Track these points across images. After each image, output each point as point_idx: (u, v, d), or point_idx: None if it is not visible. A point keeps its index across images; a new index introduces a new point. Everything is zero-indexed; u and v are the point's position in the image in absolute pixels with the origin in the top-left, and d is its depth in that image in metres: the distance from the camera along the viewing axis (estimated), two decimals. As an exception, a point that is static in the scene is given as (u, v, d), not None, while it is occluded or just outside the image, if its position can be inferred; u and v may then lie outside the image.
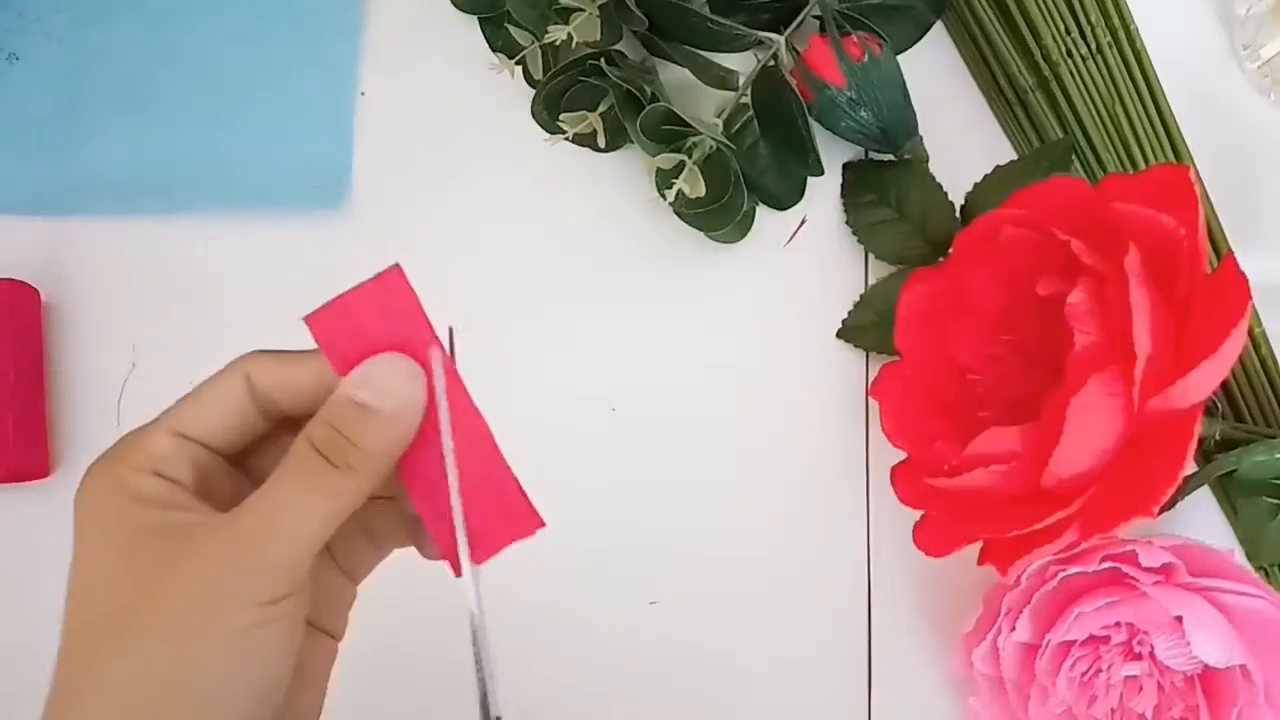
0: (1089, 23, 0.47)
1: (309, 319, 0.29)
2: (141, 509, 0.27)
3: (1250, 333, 0.46)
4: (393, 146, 0.50)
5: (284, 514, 0.27)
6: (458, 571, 0.28)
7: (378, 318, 0.29)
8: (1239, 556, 0.44)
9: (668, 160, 0.44)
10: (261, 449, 0.31)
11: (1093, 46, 0.47)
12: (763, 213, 0.49)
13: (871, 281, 0.49)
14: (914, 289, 0.44)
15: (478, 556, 0.29)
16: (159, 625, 0.26)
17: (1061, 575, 0.40)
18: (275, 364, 0.30)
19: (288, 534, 0.27)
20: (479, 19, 0.50)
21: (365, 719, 0.46)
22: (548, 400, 0.48)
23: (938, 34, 0.50)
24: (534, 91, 0.47)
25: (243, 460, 0.30)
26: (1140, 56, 0.47)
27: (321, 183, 0.49)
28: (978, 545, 0.40)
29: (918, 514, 0.42)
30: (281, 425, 0.30)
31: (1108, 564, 0.40)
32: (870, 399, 0.48)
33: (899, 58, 0.47)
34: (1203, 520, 0.46)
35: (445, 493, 0.28)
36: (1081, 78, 0.47)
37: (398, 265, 0.30)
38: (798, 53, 0.46)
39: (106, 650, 0.26)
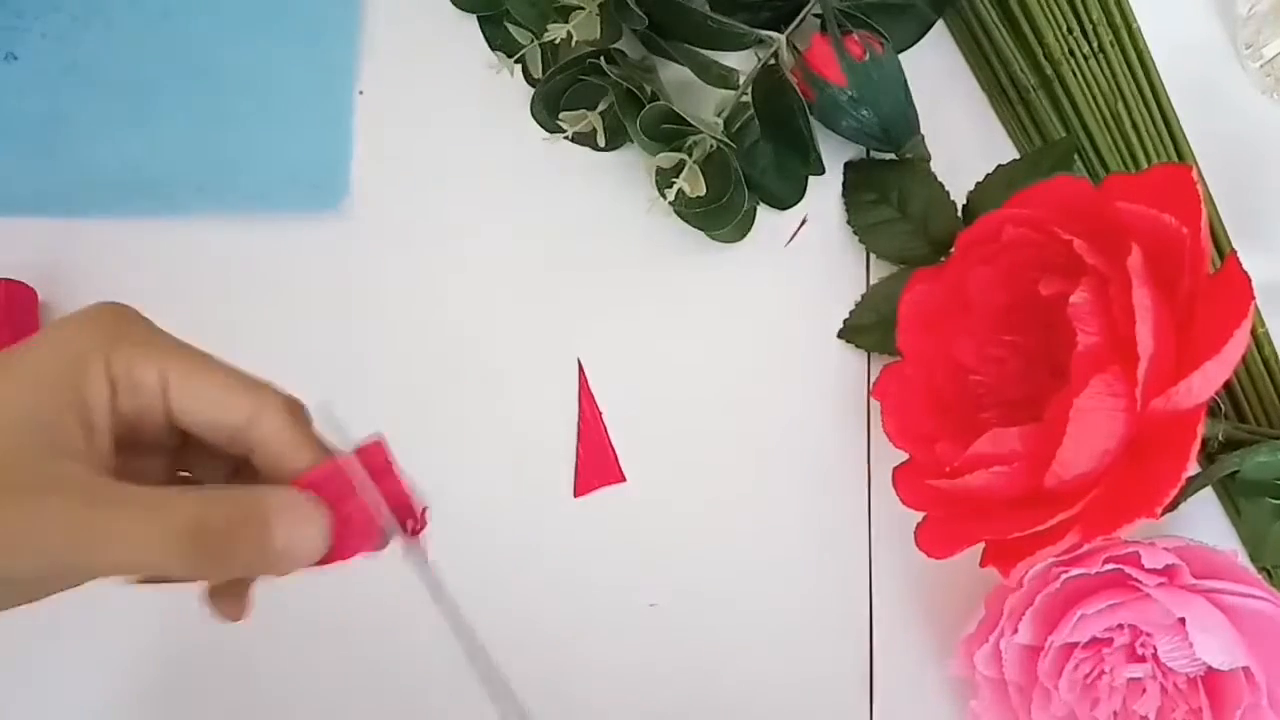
0: (1091, 22, 0.47)
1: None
2: (64, 405, 0.26)
3: (1253, 333, 0.45)
4: (391, 146, 0.50)
5: (131, 539, 0.25)
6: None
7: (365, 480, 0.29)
8: (1242, 558, 0.44)
9: (668, 159, 0.44)
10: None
11: (1095, 45, 0.47)
12: (763, 212, 0.49)
13: (873, 281, 0.48)
14: (915, 289, 0.44)
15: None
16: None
17: (1064, 577, 0.40)
18: (283, 431, 0.29)
19: (119, 554, 0.25)
20: (478, 18, 0.50)
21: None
22: (548, 400, 0.48)
23: (939, 33, 0.49)
24: (533, 90, 0.47)
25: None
26: (1142, 56, 0.47)
27: (320, 183, 0.49)
28: (979, 547, 0.40)
29: (919, 515, 0.42)
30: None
31: (1110, 566, 0.39)
32: (871, 399, 0.47)
33: (900, 56, 0.46)
34: (1206, 522, 0.46)
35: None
36: (1084, 77, 0.47)
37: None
38: (799, 51, 0.46)
39: None
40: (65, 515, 0.25)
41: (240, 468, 0.30)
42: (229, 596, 0.30)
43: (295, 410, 0.29)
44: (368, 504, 0.29)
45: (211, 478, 0.31)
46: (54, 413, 0.26)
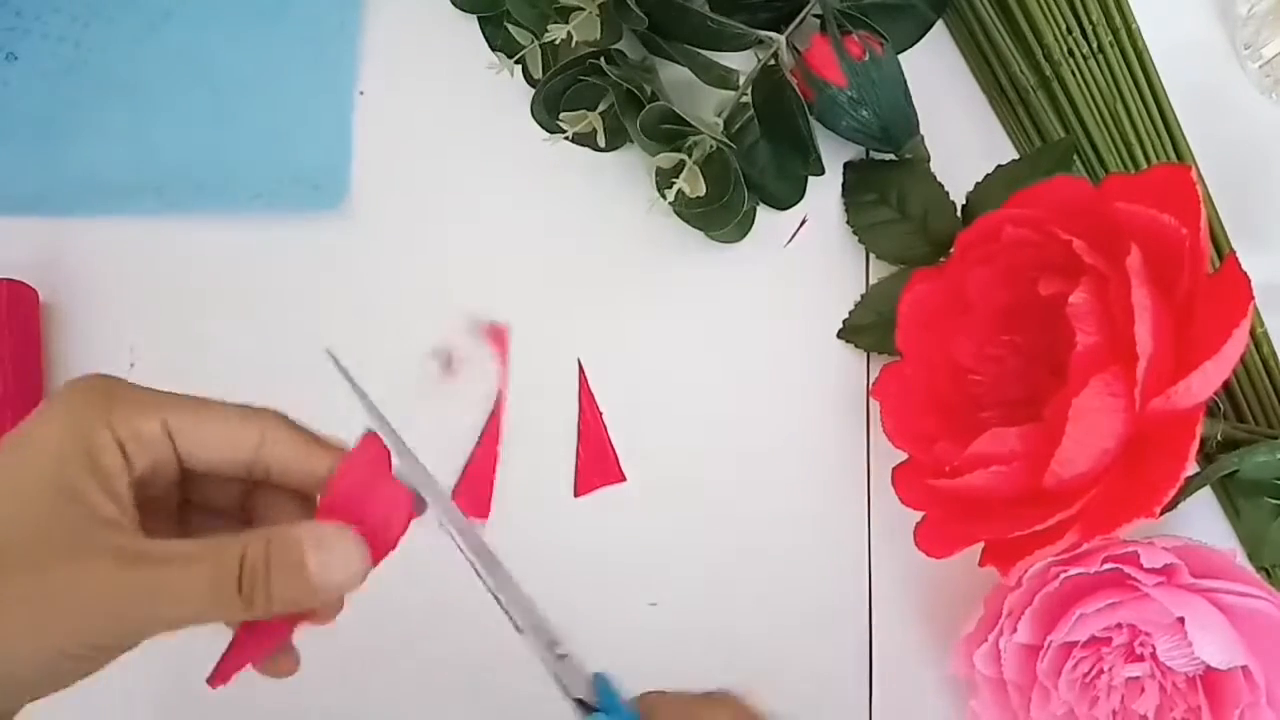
0: (1090, 22, 0.47)
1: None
2: (77, 469, 0.27)
3: (1252, 333, 0.45)
4: (392, 146, 0.50)
5: (178, 592, 0.26)
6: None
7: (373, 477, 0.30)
8: (1241, 557, 0.44)
9: (668, 160, 0.44)
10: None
11: (1094, 46, 0.47)
12: (763, 212, 0.49)
13: (872, 281, 0.48)
14: (915, 289, 0.44)
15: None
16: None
17: (1063, 576, 0.40)
18: (293, 446, 0.29)
19: (168, 610, 0.26)
20: (478, 18, 0.50)
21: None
22: (548, 400, 0.48)
23: (939, 33, 0.49)
24: (534, 91, 0.47)
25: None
26: (1142, 56, 0.47)
27: (320, 183, 0.49)
28: (979, 546, 0.40)
29: (919, 515, 0.42)
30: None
31: (1109, 565, 0.39)
32: (871, 399, 0.47)
33: (900, 57, 0.46)
34: (1204, 521, 0.46)
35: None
36: (1083, 77, 0.47)
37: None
38: (798, 52, 0.46)
39: None
40: (114, 578, 0.26)
41: (250, 492, 0.31)
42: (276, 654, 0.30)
43: (292, 422, 0.30)
44: (397, 481, 0.30)
45: (225, 504, 0.31)
46: (79, 482, 0.26)
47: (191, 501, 0.30)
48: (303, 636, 0.31)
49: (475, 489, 0.46)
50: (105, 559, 0.26)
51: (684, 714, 0.30)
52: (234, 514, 0.31)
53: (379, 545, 0.29)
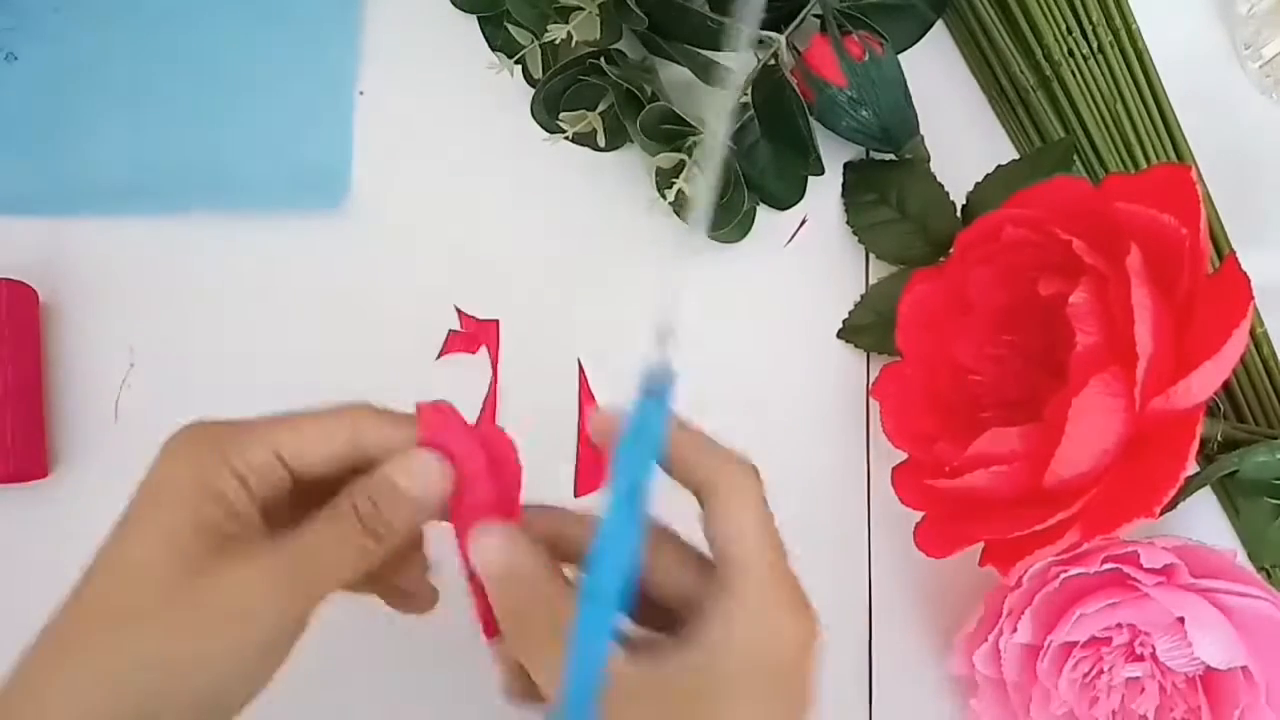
0: (1090, 22, 0.47)
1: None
2: (212, 507, 0.29)
3: (1252, 333, 0.45)
4: (392, 146, 0.50)
5: (325, 554, 0.30)
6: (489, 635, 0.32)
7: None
8: (1240, 557, 0.44)
9: (668, 159, 0.44)
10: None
11: (1094, 46, 0.47)
12: (763, 212, 0.49)
13: (872, 281, 0.48)
14: (915, 289, 0.44)
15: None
16: (176, 623, 0.28)
17: (1063, 576, 0.40)
18: (380, 426, 0.32)
19: (325, 572, 0.30)
20: (478, 18, 0.50)
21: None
22: (548, 400, 0.48)
23: (939, 33, 0.49)
24: (533, 91, 0.47)
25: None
26: (1142, 56, 0.47)
27: (320, 183, 0.49)
28: (979, 546, 0.40)
29: (919, 515, 0.42)
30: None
31: (1109, 565, 0.39)
32: (871, 399, 0.47)
33: (900, 57, 0.46)
34: (1204, 521, 0.46)
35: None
36: (1083, 77, 0.47)
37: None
38: (798, 52, 0.46)
39: (105, 633, 0.28)
40: (268, 570, 0.29)
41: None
42: (408, 593, 0.35)
43: (376, 407, 0.32)
44: (474, 426, 0.32)
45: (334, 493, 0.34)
46: (215, 519, 0.29)
47: (303, 502, 0.32)
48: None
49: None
50: (256, 559, 0.29)
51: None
52: None
53: (506, 480, 0.32)
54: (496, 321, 0.48)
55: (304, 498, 0.32)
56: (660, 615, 0.31)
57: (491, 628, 0.31)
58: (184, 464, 0.30)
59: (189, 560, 0.29)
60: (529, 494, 0.49)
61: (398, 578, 0.34)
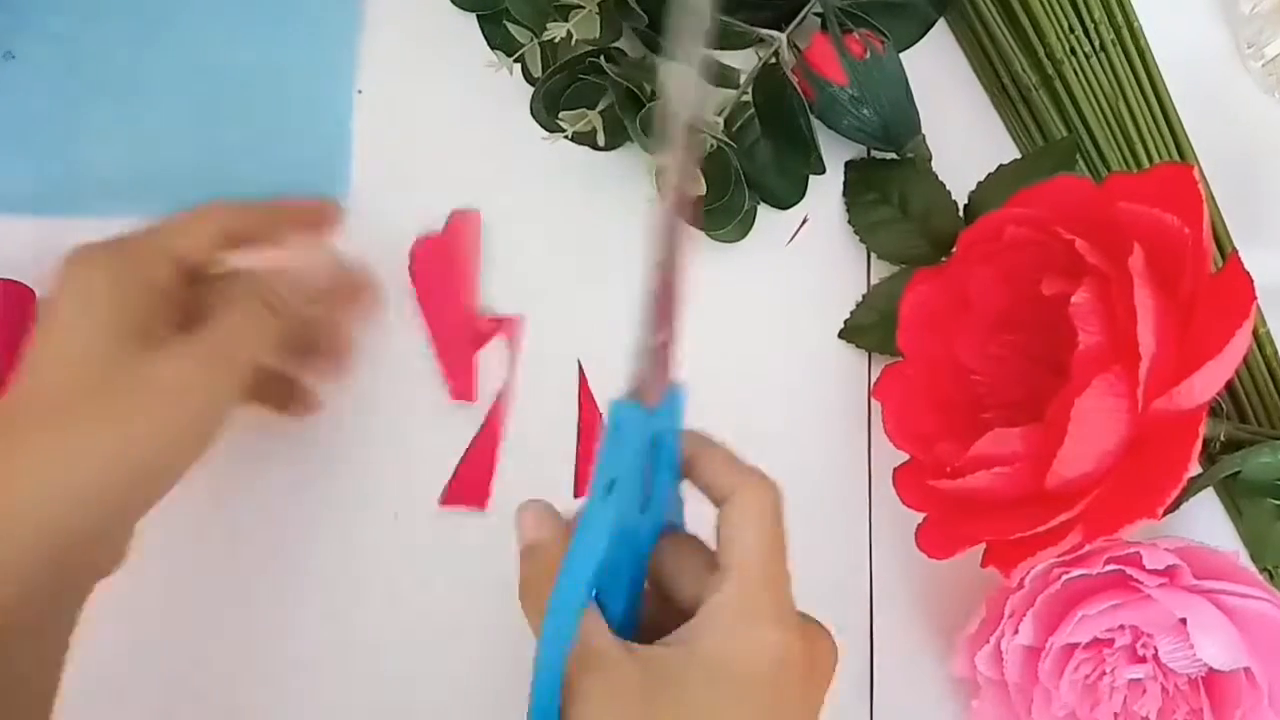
0: (1093, 21, 0.47)
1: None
2: (134, 307, 0.34)
3: (1255, 333, 0.45)
4: (392, 146, 0.50)
5: (238, 332, 0.35)
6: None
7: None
8: (1243, 559, 0.44)
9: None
10: None
11: (1096, 45, 0.47)
12: (764, 212, 0.48)
13: (874, 281, 0.48)
14: (917, 289, 0.44)
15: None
16: (120, 404, 0.32)
17: (1065, 578, 0.40)
18: (238, 213, 0.38)
19: (241, 348, 0.35)
20: (477, 16, 0.50)
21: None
22: (548, 400, 0.48)
23: (940, 31, 0.49)
24: (533, 89, 0.47)
25: None
26: (1144, 55, 0.47)
27: (320, 183, 0.49)
28: (980, 547, 0.40)
29: (920, 516, 0.42)
30: None
31: (1111, 566, 0.39)
32: (872, 400, 0.47)
33: (901, 55, 0.46)
34: (1207, 522, 0.46)
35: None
36: (1085, 76, 0.47)
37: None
38: (799, 50, 0.46)
39: (58, 415, 0.32)
40: (191, 347, 0.34)
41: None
42: (297, 397, 0.42)
43: (222, 200, 0.39)
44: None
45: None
46: (133, 314, 0.34)
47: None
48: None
49: (476, 473, 0.46)
50: (180, 346, 0.34)
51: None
52: None
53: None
54: (518, 318, 0.48)
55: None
56: (678, 615, 0.32)
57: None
58: (101, 272, 0.34)
59: (124, 350, 0.33)
60: (529, 495, 0.48)
61: (302, 372, 0.41)
